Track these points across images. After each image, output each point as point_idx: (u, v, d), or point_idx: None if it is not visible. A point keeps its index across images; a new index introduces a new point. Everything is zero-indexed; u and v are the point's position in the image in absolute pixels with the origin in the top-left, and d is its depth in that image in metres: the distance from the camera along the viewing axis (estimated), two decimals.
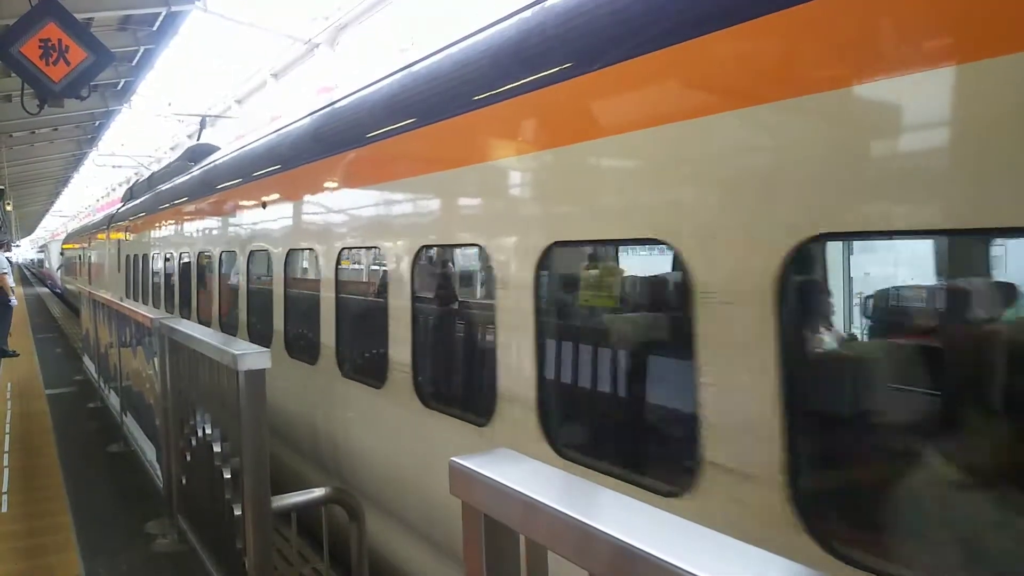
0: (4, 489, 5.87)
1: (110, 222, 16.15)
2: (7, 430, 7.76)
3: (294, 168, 5.68)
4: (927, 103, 1.80)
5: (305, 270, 6.03)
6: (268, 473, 3.15)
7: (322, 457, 5.16)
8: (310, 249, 5.42)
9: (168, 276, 10.14)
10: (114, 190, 42.24)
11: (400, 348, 4.10)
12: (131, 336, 6.69)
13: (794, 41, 2.09)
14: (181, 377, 4.36)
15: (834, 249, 2.67)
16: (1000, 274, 2.23)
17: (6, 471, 6.33)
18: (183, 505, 4.57)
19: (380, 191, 4.52)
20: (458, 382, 4.22)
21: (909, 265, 2.66)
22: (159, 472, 5.26)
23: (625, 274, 3.26)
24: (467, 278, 4.78)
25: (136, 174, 34.52)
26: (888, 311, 2.68)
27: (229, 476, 3.41)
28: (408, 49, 7.97)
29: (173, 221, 10.07)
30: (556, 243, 2.95)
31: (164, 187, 11.39)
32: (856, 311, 2.88)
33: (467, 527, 1.47)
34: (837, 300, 2.65)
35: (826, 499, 2.09)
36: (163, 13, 12.97)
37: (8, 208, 26.74)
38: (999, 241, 2.12)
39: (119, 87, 17.36)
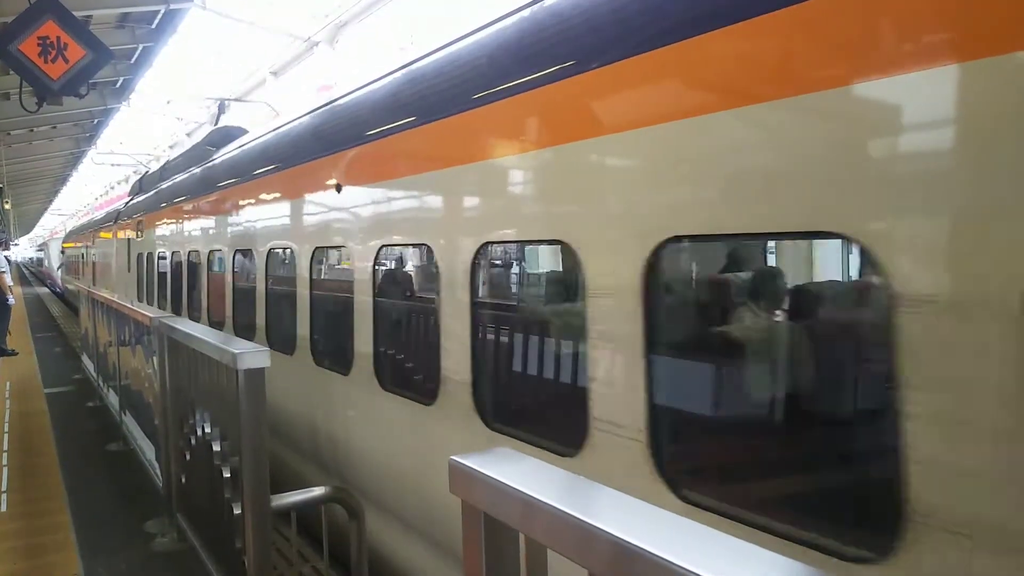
0: (3, 488, 5.87)
1: (117, 218, 14.91)
2: (6, 429, 7.76)
3: (384, 137, 4.40)
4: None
5: (412, 272, 5.30)
6: (267, 472, 3.15)
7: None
8: (422, 246, 4.37)
9: (193, 278, 8.73)
10: (112, 188, 42.22)
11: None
12: (130, 335, 6.68)
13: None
14: (180, 376, 4.35)
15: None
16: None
17: (5, 470, 6.33)
18: (182, 504, 4.57)
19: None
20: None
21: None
22: (158, 471, 5.27)
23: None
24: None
25: (135, 172, 34.53)
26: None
27: (228, 475, 3.41)
28: (408, 47, 7.84)
29: (198, 214, 8.77)
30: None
31: (183, 177, 10.10)
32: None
33: (467, 526, 1.47)
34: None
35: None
36: (162, 11, 12.97)
37: (7, 206, 26.72)
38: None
39: (118, 85, 17.34)
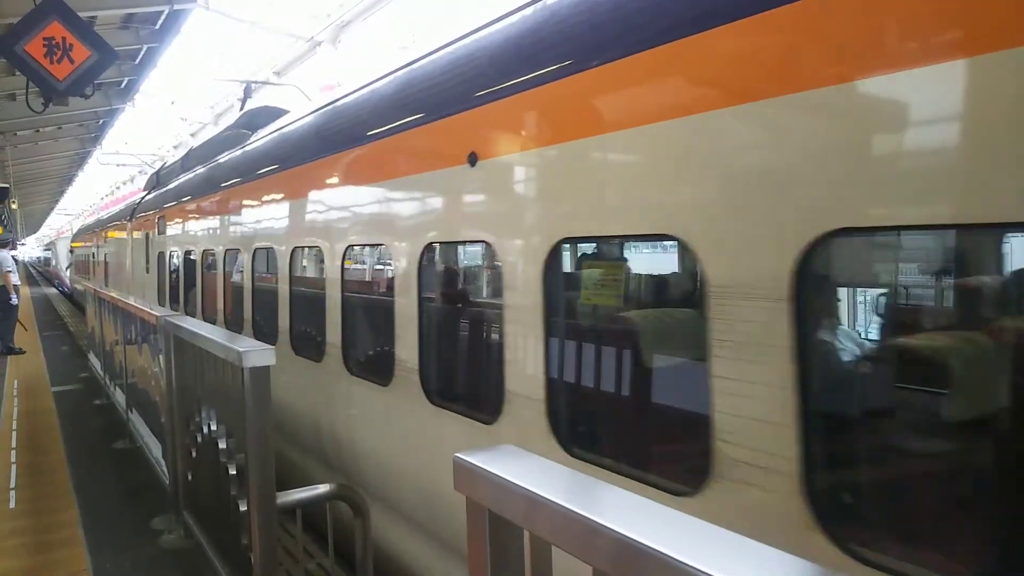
0: (12, 485, 5.90)
1: (133, 213, 13.48)
2: (14, 427, 7.80)
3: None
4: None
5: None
6: (273, 469, 3.17)
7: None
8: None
9: (232, 280, 7.56)
10: (118, 188, 42.37)
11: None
12: (136, 333, 6.71)
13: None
14: (186, 374, 4.37)
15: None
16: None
17: (13, 467, 6.36)
18: (189, 501, 4.59)
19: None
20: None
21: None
22: (165, 468, 5.29)
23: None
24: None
25: (140, 172, 34.63)
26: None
27: (234, 472, 3.42)
28: (410, 47, 7.64)
29: (236, 207, 7.32)
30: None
31: (212, 165, 8.76)
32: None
33: (471, 523, 1.48)
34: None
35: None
36: (166, 11, 13.02)
37: (13, 207, 26.83)
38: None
39: (122, 85, 17.42)
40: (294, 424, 5.76)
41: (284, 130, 6.63)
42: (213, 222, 8.29)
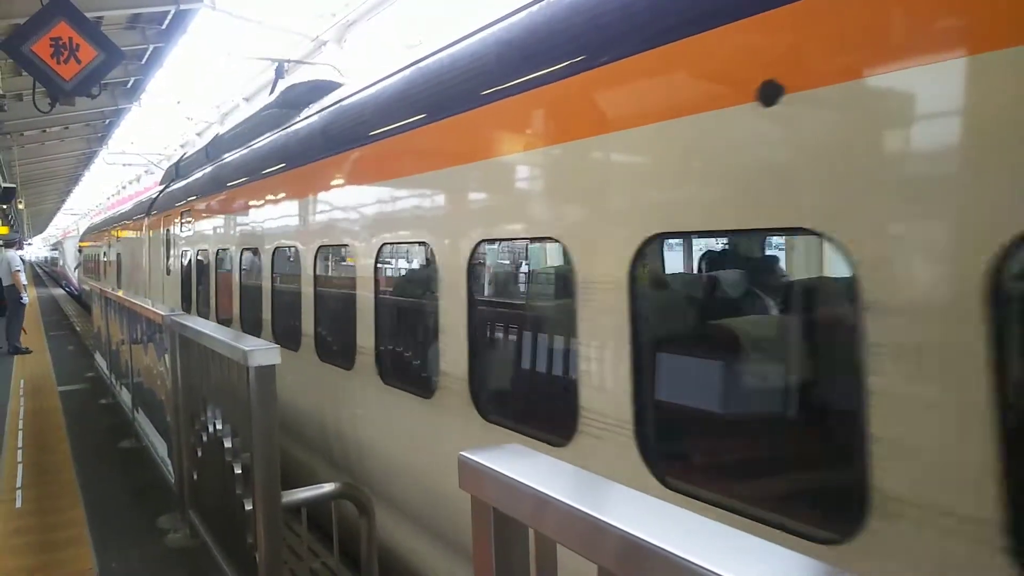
0: (18, 484, 5.93)
1: (149, 209, 12.27)
2: (20, 426, 7.84)
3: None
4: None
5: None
6: (279, 468, 3.17)
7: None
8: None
9: (279, 285, 6.33)
10: (124, 188, 42.52)
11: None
12: (142, 333, 6.73)
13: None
14: (192, 373, 4.38)
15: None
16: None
17: (20, 467, 6.39)
18: (194, 500, 4.60)
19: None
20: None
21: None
22: (170, 468, 5.30)
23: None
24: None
25: (147, 171, 34.73)
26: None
27: (240, 471, 3.43)
28: (416, 46, 7.49)
29: (291, 196, 6.00)
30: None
31: (249, 150, 7.50)
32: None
33: (476, 521, 1.48)
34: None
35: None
36: (172, 11, 13.06)
37: (20, 206, 26.95)
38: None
39: (129, 85, 17.49)
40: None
41: (354, 100, 5.29)
42: (253, 216, 6.95)
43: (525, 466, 1.42)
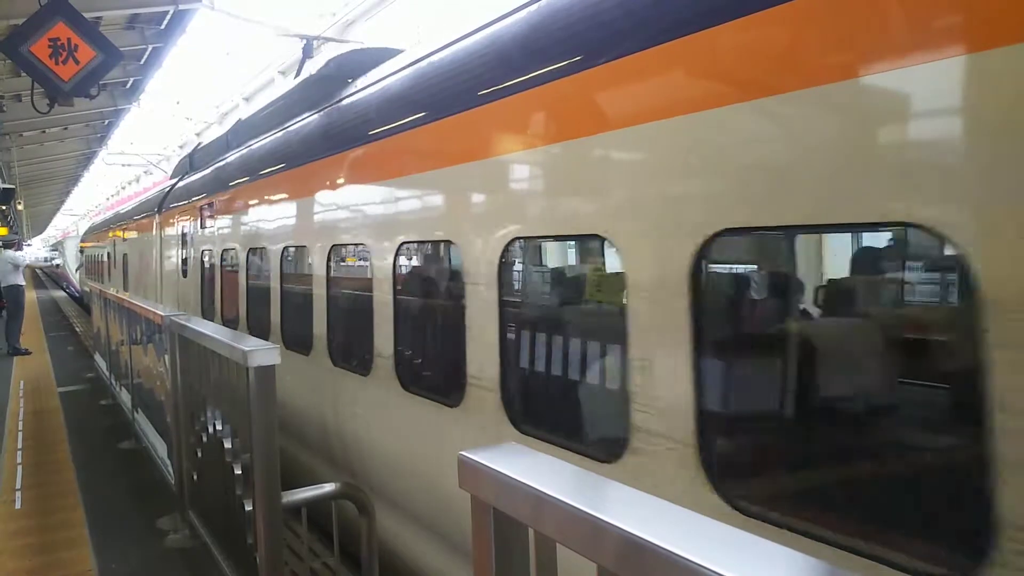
0: (17, 486, 5.92)
1: (162, 204, 11.21)
2: (20, 427, 7.83)
3: None
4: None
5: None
6: (278, 469, 3.16)
7: None
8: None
9: (336, 291, 5.18)
10: (124, 188, 42.52)
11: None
12: (142, 333, 6.72)
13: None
14: (191, 374, 4.38)
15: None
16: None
17: (19, 468, 6.38)
18: (194, 501, 4.60)
19: None
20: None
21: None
22: (170, 468, 5.30)
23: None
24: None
25: (146, 172, 34.72)
26: None
27: (240, 472, 3.43)
28: (416, 45, 7.37)
29: (353, 181, 4.86)
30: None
31: (289, 131, 6.45)
32: None
33: (476, 520, 1.47)
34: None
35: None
36: (171, 11, 13.05)
37: (19, 207, 26.94)
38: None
39: (128, 86, 17.48)
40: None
41: (434, 61, 4.27)
42: (299, 208, 5.83)
43: (525, 465, 1.42)
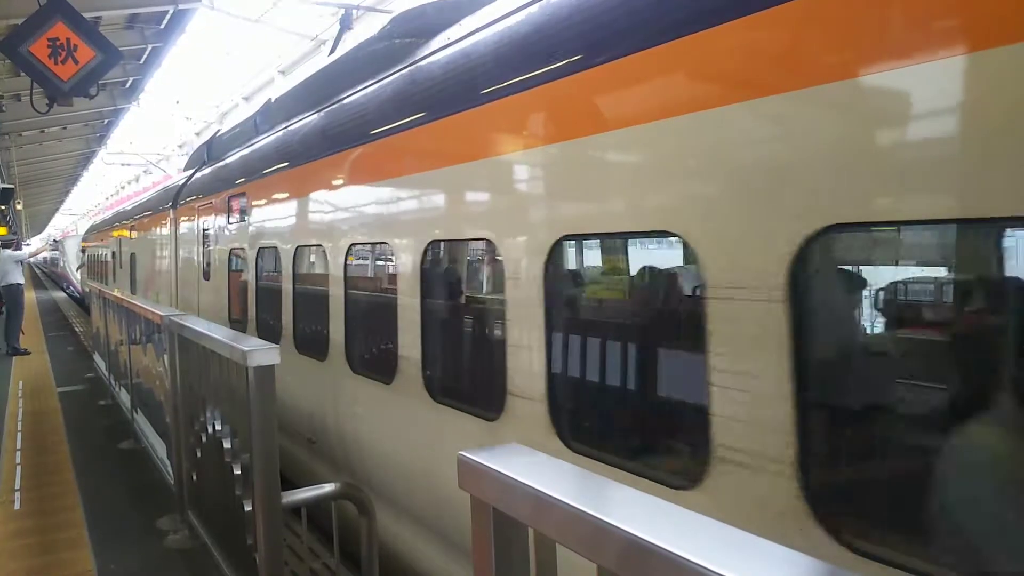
0: (17, 486, 5.92)
1: (177, 199, 10.14)
2: (19, 428, 7.83)
3: None
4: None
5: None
6: (278, 469, 3.16)
7: None
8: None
9: (427, 299, 4.02)
10: (123, 188, 42.50)
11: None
12: (141, 333, 6.72)
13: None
14: (191, 374, 4.38)
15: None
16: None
17: (19, 468, 6.38)
18: (194, 501, 4.59)
19: None
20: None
21: None
22: (170, 469, 5.30)
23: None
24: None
25: (145, 171, 34.71)
26: None
27: (239, 472, 3.42)
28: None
29: (452, 160, 3.77)
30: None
31: (341, 105, 5.37)
32: None
33: (476, 521, 1.47)
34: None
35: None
36: (170, 11, 13.05)
37: (18, 207, 26.92)
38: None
39: (127, 85, 17.48)
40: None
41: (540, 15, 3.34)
42: (365, 196, 4.72)
43: (525, 465, 1.42)
